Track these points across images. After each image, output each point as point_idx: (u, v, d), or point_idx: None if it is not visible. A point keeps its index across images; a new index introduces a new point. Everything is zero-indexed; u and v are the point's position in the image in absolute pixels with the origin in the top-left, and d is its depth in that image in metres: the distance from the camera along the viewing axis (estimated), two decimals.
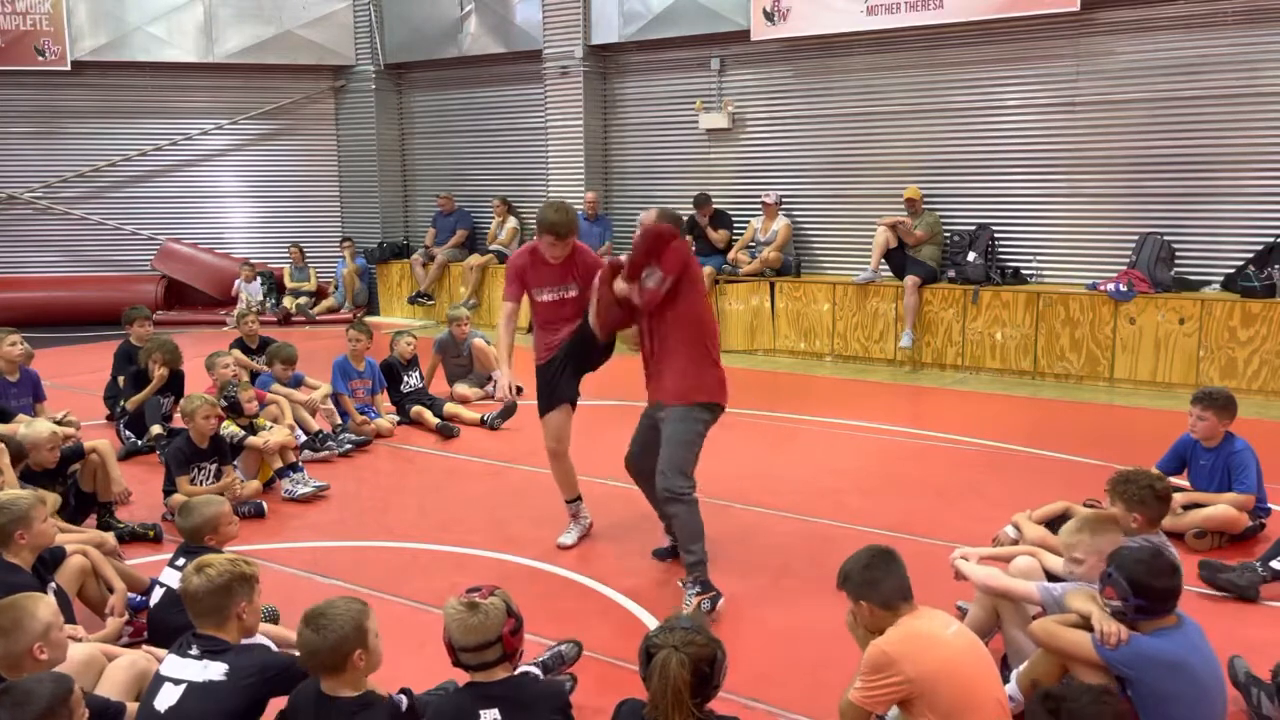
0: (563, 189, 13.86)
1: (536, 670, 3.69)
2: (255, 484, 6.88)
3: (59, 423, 6.66)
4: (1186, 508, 5.82)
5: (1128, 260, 10.31)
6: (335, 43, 15.58)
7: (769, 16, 12.09)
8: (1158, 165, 10.42)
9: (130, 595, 4.74)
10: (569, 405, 5.82)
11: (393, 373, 8.99)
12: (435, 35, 15.11)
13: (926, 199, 11.40)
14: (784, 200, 12.43)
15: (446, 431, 8.54)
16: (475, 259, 14.33)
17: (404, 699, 3.55)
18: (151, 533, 6.08)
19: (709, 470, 7.25)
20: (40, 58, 14.79)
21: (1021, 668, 3.82)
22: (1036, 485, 6.53)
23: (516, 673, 3.36)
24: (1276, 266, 9.52)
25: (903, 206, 11.36)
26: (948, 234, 11.37)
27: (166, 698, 3.31)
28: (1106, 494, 4.64)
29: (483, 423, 8.76)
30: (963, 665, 3.35)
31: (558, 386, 5.76)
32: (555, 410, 5.81)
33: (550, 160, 14.15)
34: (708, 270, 12.24)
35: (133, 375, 8.26)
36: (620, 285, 5.24)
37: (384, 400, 8.91)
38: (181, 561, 4.33)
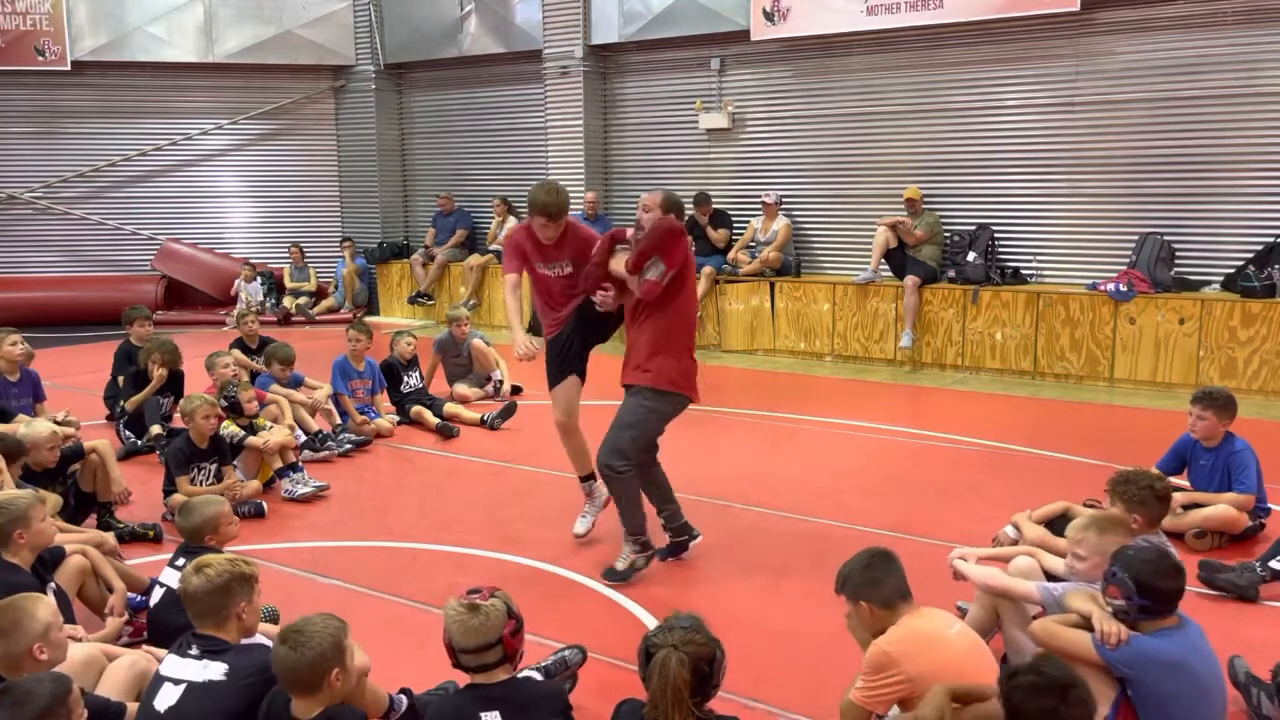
0: (548, 179, 13.84)
1: (538, 675, 3.68)
2: (255, 484, 6.88)
3: (59, 422, 6.68)
4: (1186, 508, 5.82)
5: (1128, 260, 10.31)
6: (335, 43, 15.58)
7: (769, 16, 12.09)
8: (1158, 165, 10.42)
9: (130, 595, 4.74)
10: (577, 378, 5.79)
11: (393, 373, 8.98)
12: (435, 35, 15.11)
13: (926, 199, 11.40)
14: (784, 200, 12.43)
15: (446, 431, 8.54)
16: (475, 259, 14.33)
17: (404, 699, 3.56)
18: (151, 533, 6.07)
19: (709, 470, 7.30)
20: (40, 58, 14.79)
21: None
22: (1036, 485, 6.53)
23: (518, 675, 3.35)
24: (1276, 266, 9.52)
25: (903, 206, 11.36)
26: (948, 234, 11.37)
27: (166, 698, 3.31)
28: (1106, 494, 4.64)
29: (483, 423, 8.76)
30: (964, 665, 3.35)
31: (566, 359, 5.76)
32: (563, 383, 5.78)
33: (550, 160, 14.15)
34: (707, 270, 12.27)
35: (133, 375, 8.26)
36: (619, 269, 5.32)
37: (384, 400, 8.91)
38: (181, 561, 4.32)
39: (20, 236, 15.49)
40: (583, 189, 13.59)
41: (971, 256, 10.95)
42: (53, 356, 11.38)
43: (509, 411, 8.81)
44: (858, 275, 11.52)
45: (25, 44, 14.73)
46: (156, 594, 4.51)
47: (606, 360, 6.02)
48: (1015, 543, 4.68)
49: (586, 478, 6.00)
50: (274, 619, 4.60)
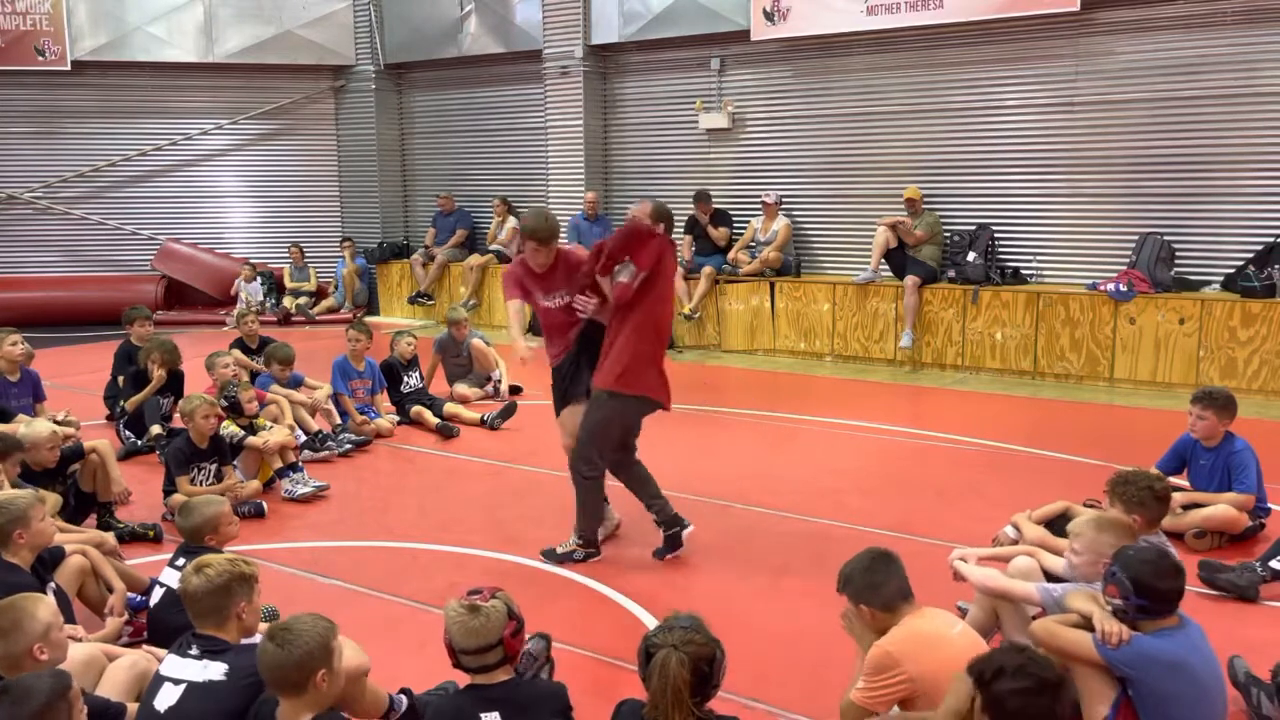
0: (563, 189, 13.87)
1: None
2: (255, 484, 6.88)
3: (59, 422, 6.68)
4: (1186, 508, 5.82)
5: (1128, 260, 10.31)
6: (335, 43, 15.58)
7: (769, 16, 12.09)
8: (1158, 165, 10.42)
9: (130, 595, 4.74)
10: (583, 404, 5.82)
11: (393, 373, 8.99)
12: (435, 35, 15.11)
13: (926, 199, 11.40)
14: (784, 200, 12.42)
15: (446, 431, 8.54)
16: (475, 259, 14.33)
17: (404, 699, 3.56)
18: (151, 533, 6.08)
19: (709, 470, 7.30)
20: (40, 58, 14.79)
21: None
22: (1036, 485, 6.53)
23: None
24: (1276, 266, 9.52)
25: (903, 206, 11.35)
26: (948, 234, 11.37)
27: (166, 698, 3.31)
28: (1106, 494, 4.65)
29: (483, 423, 8.76)
30: (965, 664, 3.34)
31: (571, 385, 5.87)
32: (569, 408, 5.90)
33: (550, 160, 14.15)
34: (707, 270, 12.27)
35: (132, 375, 8.26)
36: (600, 282, 5.51)
37: (384, 400, 8.91)
38: (181, 561, 4.32)
39: (20, 236, 15.49)
40: (583, 189, 13.60)
41: (971, 256, 10.95)
42: (53, 356, 11.38)
43: (509, 411, 8.81)
44: (858, 275, 11.52)
45: (25, 44, 14.73)
46: (156, 594, 4.51)
47: None
48: (1015, 543, 4.68)
49: None
50: (274, 619, 4.59)
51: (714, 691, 3.07)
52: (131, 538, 5.98)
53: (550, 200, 13.82)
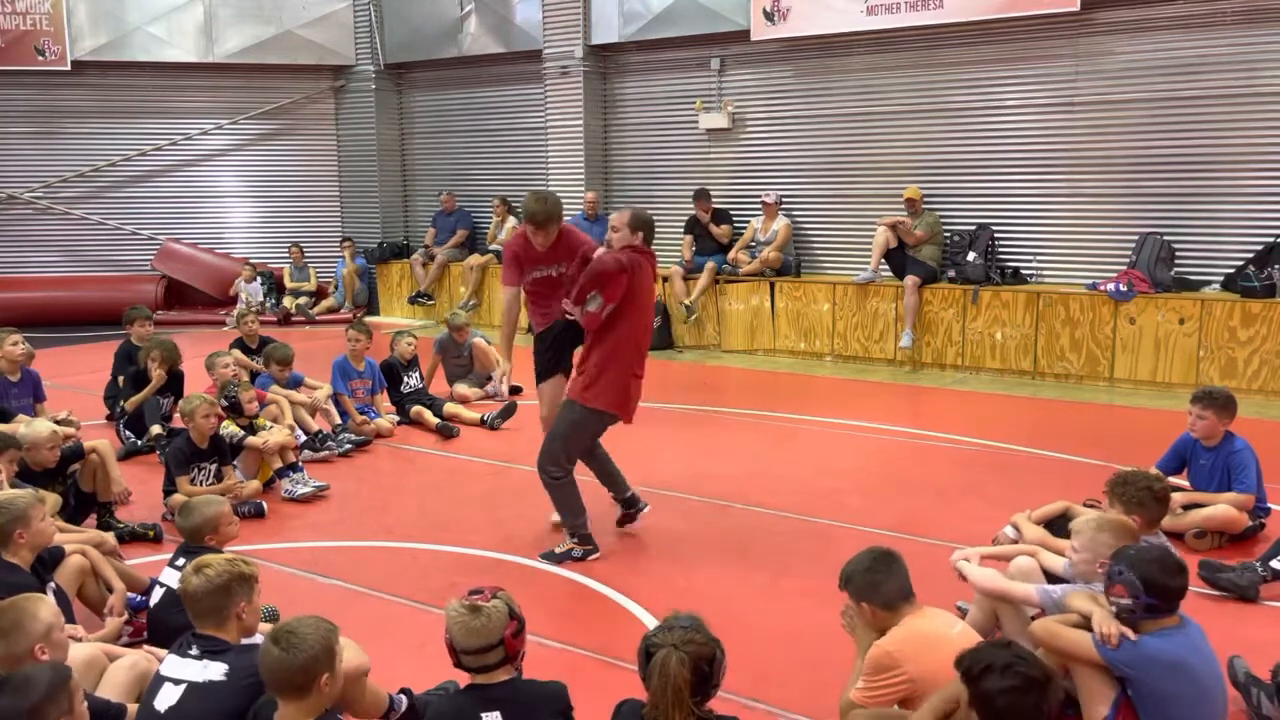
0: (563, 189, 13.85)
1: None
2: (255, 484, 6.88)
3: (59, 422, 6.67)
4: (1186, 508, 5.82)
5: (1128, 260, 10.31)
6: (335, 43, 15.58)
7: (769, 16, 12.09)
8: (1158, 165, 10.42)
9: (130, 595, 4.74)
10: (563, 376, 6.13)
11: (393, 373, 8.99)
12: (435, 35, 15.11)
13: (926, 199, 11.40)
14: (784, 200, 12.42)
15: (446, 431, 8.54)
16: (475, 259, 14.33)
17: (404, 699, 3.56)
18: (151, 533, 6.08)
19: (709, 470, 7.30)
20: (40, 58, 14.79)
21: None
22: (1036, 485, 6.53)
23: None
24: (1276, 266, 9.52)
25: (903, 206, 11.35)
26: (948, 234, 11.37)
27: (166, 698, 3.31)
28: (1105, 495, 4.65)
29: (483, 423, 8.76)
30: None
31: (553, 355, 6.14)
32: (549, 381, 6.15)
33: (550, 160, 14.15)
34: (709, 266, 12.27)
35: (133, 375, 8.26)
36: (566, 303, 5.77)
37: (384, 400, 8.91)
38: (181, 561, 4.32)
39: (20, 236, 15.49)
40: (583, 189, 13.59)
41: (971, 256, 10.95)
42: (53, 356, 11.37)
43: (509, 411, 8.81)
44: (858, 275, 11.52)
45: (25, 44, 14.73)
46: (156, 594, 4.51)
47: None
48: (1015, 543, 4.68)
49: None
50: (274, 619, 4.59)
51: (714, 691, 3.07)
52: (131, 538, 5.98)
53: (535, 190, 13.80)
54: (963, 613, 4.33)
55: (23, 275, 15.29)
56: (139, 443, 7.98)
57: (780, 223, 12.20)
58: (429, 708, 3.38)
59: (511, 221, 14.47)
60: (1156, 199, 10.46)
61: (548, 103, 14.10)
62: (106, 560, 4.74)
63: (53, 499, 5.49)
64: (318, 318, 14.86)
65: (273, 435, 7.06)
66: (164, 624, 4.29)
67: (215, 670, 3.33)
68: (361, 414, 8.50)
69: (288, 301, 14.98)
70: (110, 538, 5.23)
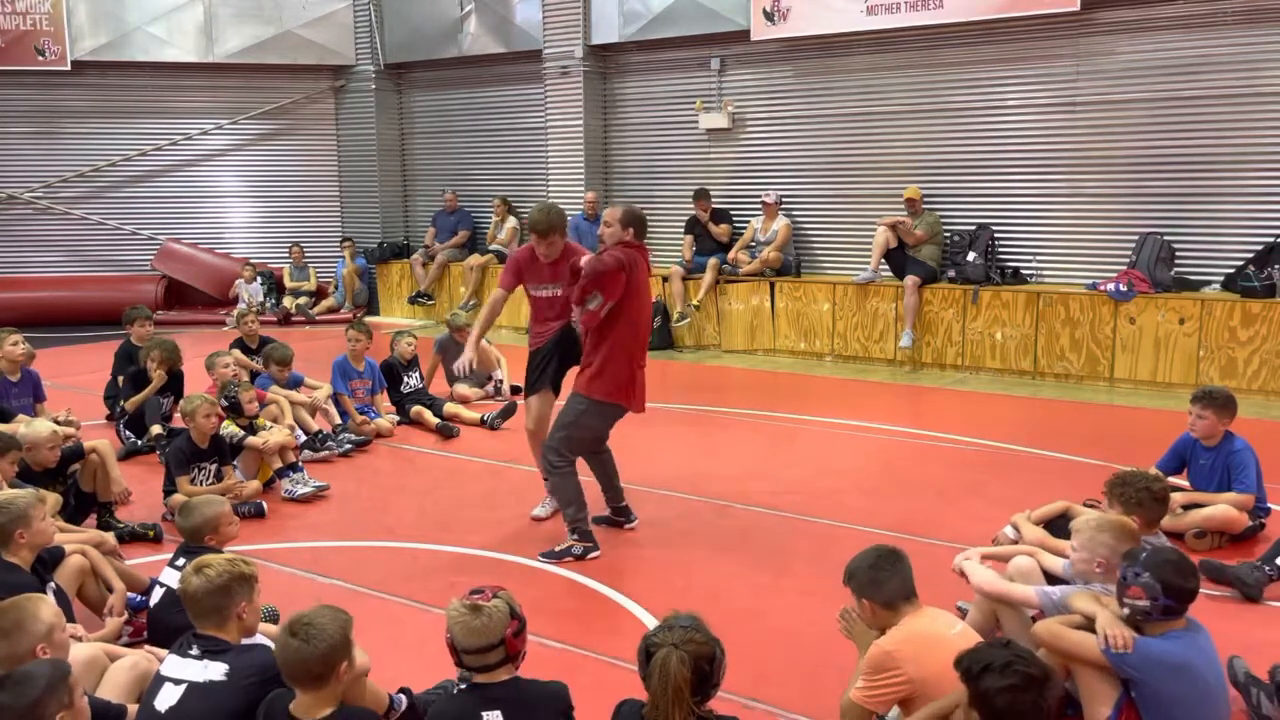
0: (563, 189, 13.87)
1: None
2: (255, 484, 6.88)
3: (59, 422, 6.67)
4: (1186, 508, 5.82)
5: (1128, 260, 10.31)
6: (335, 43, 15.58)
7: (769, 16, 12.09)
8: (1158, 165, 10.42)
9: (130, 595, 4.74)
10: (551, 392, 6.29)
11: (393, 373, 8.99)
12: (435, 35, 15.11)
13: (926, 199, 11.40)
14: (784, 200, 12.43)
15: (446, 431, 8.54)
16: (475, 259, 14.33)
17: (404, 699, 3.56)
18: (151, 533, 6.07)
19: (709, 470, 7.30)
20: (40, 58, 14.79)
21: None
22: (1036, 485, 6.53)
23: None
24: (1276, 266, 9.52)
25: (903, 206, 11.36)
26: (948, 234, 11.37)
27: (167, 698, 3.31)
28: (1104, 495, 4.65)
29: (483, 423, 8.76)
30: None
31: (543, 373, 6.26)
32: (537, 395, 6.30)
33: (550, 160, 14.15)
34: (711, 261, 12.26)
35: (132, 375, 8.26)
36: (575, 310, 5.89)
37: (384, 400, 8.91)
38: (181, 561, 4.32)
39: (20, 236, 15.49)
40: (583, 189, 13.60)
41: (971, 256, 10.95)
42: (53, 356, 11.37)
43: (509, 411, 8.81)
44: (858, 275, 11.52)
45: (25, 44, 14.73)
46: (156, 594, 4.51)
47: None
48: (1015, 544, 4.68)
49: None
50: (274, 619, 4.59)
51: (714, 691, 3.07)
52: (131, 538, 5.98)
53: (550, 200, 13.81)
54: (963, 613, 4.33)
55: (23, 275, 15.29)
56: (139, 443, 7.98)
57: (780, 223, 12.20)
58: (430, 707, 3.38)
59: (511, 221, 14.48)
60: (1156, 199, 10.46)
61: (548, 103, 14.10)
62: (106, 560, 4.75)
63: (53, 499, 5.48)
64: (318, 318, 14.87)
65: (273, 435, 7.05)
66: (164, 624, 4.29)
67: (216, 670, 3.33)
68: (361, 414, 8.50)
69: (288, 301, 14.98)
70: (110, 538, 5.23)
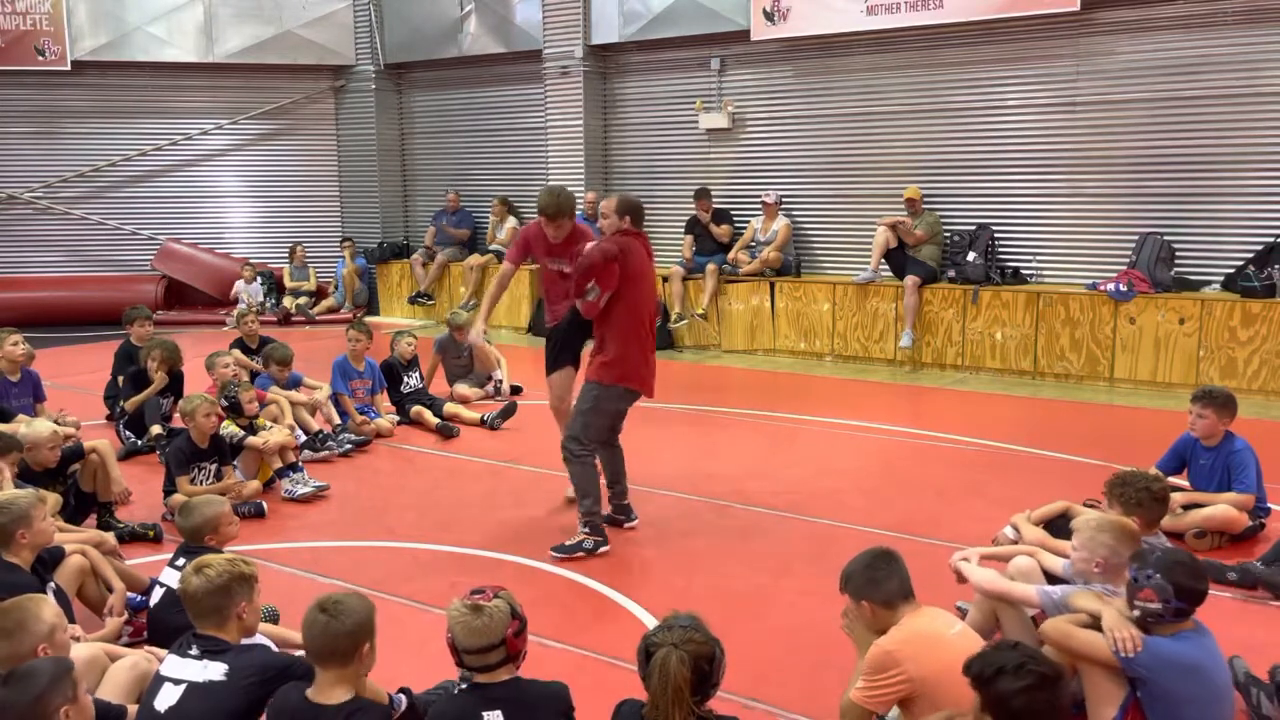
0: (555, 184, 13.83)
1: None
2: (255, 484, 6.88)
3: (56, 422, 6.67)
4: (1186, 508, 5.82)
5: (1128, 260, 10.31)
6: (335, 43, 15.58)
7: (769, 16, 12.09)
8: (1158, 165, 10.42)
9: (130, 595, 4.74)
10: (571, 368, 6.46)
11: (393, 373, 8.99)
12: (435, 35, 15.11)
13: (926, 199, 11.40)
14: (784, 200, 12.43)
15: (446, 431, 8.54)
16: (475, 259, 14.33)
17: (404, 699, 3.56)
18: (151, 533, 6.07)
19: (709, 470, 7.30)
20: (40, 58, 14.79)
21: None
22: (1036, 485, 6.53)
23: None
24: (1276, 266, 9.52)
25: (903, 206, 11.36)
26: (948, 234, 11.37)
27: (166, 698, 3.31)
28: (1104, 495, 4.64)
29: (483, 423, 8.76)
30: None
31: (561, 350, 6.43)
32: (558, 371, 6.47)
33: (550, 160, 14.15)
34: (710, 267, 12.26)
35: (132, 375, 8.25)
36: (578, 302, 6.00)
37: (384, 400, 8.91)
38: (181, 561, 4.32)
39: (20, 236, 15.49)
40: (583, 189, 13.59)
41: (971, 256, 10.95)
42: (53, 356, 11.38)
43: (509, 411, 8.81)
44: (858, 275, 11.52)
45: (25, 44, 14.72)
46: (156, 594, 4.51)
47: None
48: (1014, 544, 4.67)
49: None
50: (274, 619, 4.60)
51: (714, 691, 3.07)
52: (131, 538, 5.98)
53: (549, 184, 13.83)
54: (963, 613, 4.33)
55: (23, 275, 15.29)
56: (139, 443, 7.98)
57: (780, 223, 12.20)
58: (430, 707, 3.39)
59: (511, 221, 14.48)
60: (1156, 199, 10.46)
61: (548, 103, 14.10)
62: (106, 560, 4.75)
63: (53, 499, 5.49)
64: (318, 318, 14.86)
65: (273, 435, 7.05)
66: (164, 624, 4.29)
67: (215, 670, 3.34)
68: (361, 414, 8.50)
69: (288, 301, 14.98)
70: (110, 538, 5.23)
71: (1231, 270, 9.89)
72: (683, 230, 12.82)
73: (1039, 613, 4.06)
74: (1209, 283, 10.12)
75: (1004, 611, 4.10)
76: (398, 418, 8.81)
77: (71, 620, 4.17)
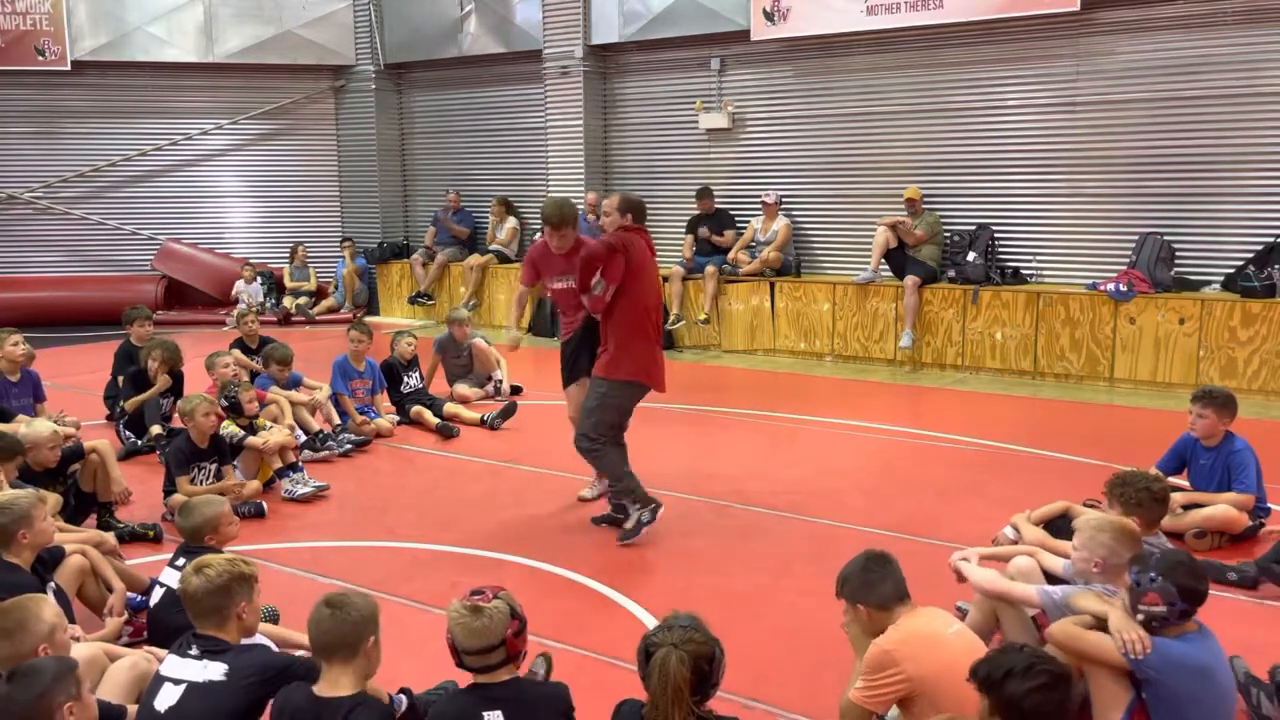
0: (563, 189, 13.86)
1: None
2: (255, 484, 6.88)
3: (56, 423, 6.67)
4: (1186, 508, 5.82)
5: (1128, 260, 10.31)
6: (335, 43, 15.58)
7: (769, 16, 12.09)
8: (1158, 165, 10.42)
9: (130, 595, 4.74)
10: (586, 379, 6.36)
11: (393, 373, 8.99)
12: (435, 35, 15.11)
13: (926, 199, 11.40)
14: (784, 200, 12.43)
15: (446, 431, 8.54)
16: (475, 259, 14.33)
17: (404, 699, 3.56)
18: (151, 533, 6.08)
19: (709, 470, 7.30)
20: (40, 58, 14.79)
21: None
22: (1036, 485, 6.53)
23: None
24: (1276, 266, 9.52)
25: (903, 206, 11.36)
26: (948, 234, 11.37)
27: (166, 698, 3.31)
28: (1104, 495, 4.64)
29: (483, 423, 8.76)
30: (963, 665, 3.34)
31: (575, 363, 6.47)
32: (574, 385, 6.51)
33: (550, 160, 14.15)
34: (710, 269, 12.25)
35: (132, 375, 8.26)
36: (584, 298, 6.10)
37: (384, 400, 8.91)
38: (181, 561, 4.32)
39: (20, 236, 15.49)
40: (583, 189, 13.59)
41: (971, 256, 10.95)
42: (53, 356, 11.38)
43: (509, 411, 8.81)
44: (858, 275, 11.52)
45: (25, 44, 14.72)
46: (156, 594, 4.51)
47: None
48: (1014, 544, 4.67)
49: None
50: (274, 619, 4.60)
51: (714, 691, 3.07)
52: (131, 538, 5.98)
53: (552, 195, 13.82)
54: (963, 613, 4.33)
55: (23, 275, 15.29)
56: (139, 443, 7.98)
57: (780, 223, 12.20)
58: (430, 708, 3.39)
59: (511, 221, 14.48)
60: (1156, 199, 10.46)
61: (548, 103, 14.10)
62: (106, 560, 4.75)
63: (53, 499, 5.49)
64: (318, 318, 14.86)
65: (273, 435, 7.05)
66: (164, 624, 4.29)
67: (215, 670, 3.34)
68: (361, 414, 8.50)
69: (288, 301, 14.98)
70: (110, 538, 5.23)
71: (1231, 270, 9.89)
72: (684, 230, 12.81)
73: (1039, 613, 4.06)
74: (1209, 283, 10.12)
75: (1004, 611, 4.10)
76: (398, 418, 8.81)
77: (71, 620, 4.17)
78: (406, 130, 16.17)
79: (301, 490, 6.88)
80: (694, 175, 13.22)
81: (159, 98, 15.57)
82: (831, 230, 12.43)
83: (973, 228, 11.22)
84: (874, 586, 3.51)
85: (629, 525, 5.95)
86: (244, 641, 3.50)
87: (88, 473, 6.09)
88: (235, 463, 6.82)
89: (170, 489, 6.44)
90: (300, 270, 15.31)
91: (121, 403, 8.27)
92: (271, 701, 3.32)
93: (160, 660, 3.57)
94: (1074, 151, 10.88)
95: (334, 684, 3.22)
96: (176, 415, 7.50)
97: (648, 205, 6.29)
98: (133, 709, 3.46)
